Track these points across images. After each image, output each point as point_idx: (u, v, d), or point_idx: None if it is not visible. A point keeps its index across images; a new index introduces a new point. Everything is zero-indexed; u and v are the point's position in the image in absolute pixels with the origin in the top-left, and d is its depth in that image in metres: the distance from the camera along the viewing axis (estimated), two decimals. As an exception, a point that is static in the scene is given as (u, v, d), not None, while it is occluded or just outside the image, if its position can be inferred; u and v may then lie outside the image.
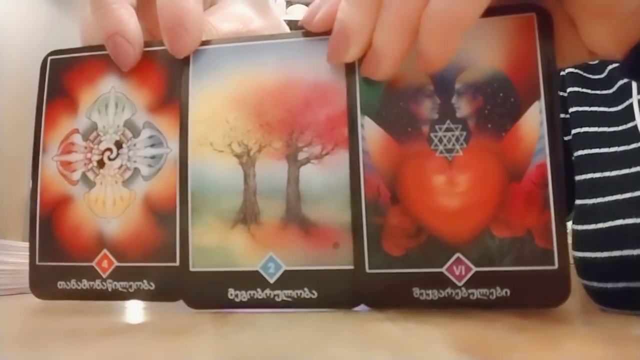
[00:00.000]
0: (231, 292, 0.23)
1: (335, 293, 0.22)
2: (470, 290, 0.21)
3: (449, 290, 0.21)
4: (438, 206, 0.21)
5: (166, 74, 0.25)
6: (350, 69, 0.23)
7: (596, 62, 0.42)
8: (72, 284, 0.25)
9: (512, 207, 0.21)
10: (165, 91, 0.25)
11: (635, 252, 0.34)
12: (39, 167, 0.26)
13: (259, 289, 0.22)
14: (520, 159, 0.21)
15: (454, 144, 0.22)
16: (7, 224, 1.01)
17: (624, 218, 0.35)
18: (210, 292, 0.23)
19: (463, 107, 0.22)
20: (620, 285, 0.36)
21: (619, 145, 0.37)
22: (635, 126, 0.36)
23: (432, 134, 0.22)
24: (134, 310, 0.25)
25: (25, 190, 0.99)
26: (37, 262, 0.25)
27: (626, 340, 0.17)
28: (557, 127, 0.21)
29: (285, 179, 0.23)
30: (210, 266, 0.23)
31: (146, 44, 0.25)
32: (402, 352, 0.14)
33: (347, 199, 0.22)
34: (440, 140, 0.22)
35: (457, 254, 0.21)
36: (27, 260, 0.25)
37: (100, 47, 0.25)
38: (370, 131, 0.22)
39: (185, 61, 0.25)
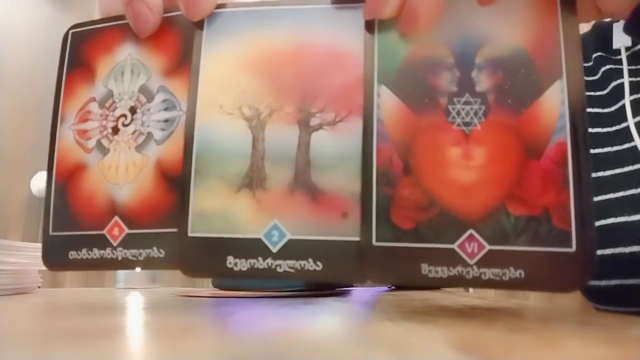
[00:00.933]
0: (230, 261, 0.21)
1: (342, 266, 0.21)
2: (482, 270, 0.20)
3: (459, 268, 0.20)
4: (452, 179, 0.20)
5: (181, 38, 0.25)
6: (369, 36, 0.22)
7: (590, 64, 0.42)
8: (83, 254, 0.24)
9: (530, 185, 0.20)
10: (180, 55, 0.25)
11: (627, 249, 0.34)
12: (56, 137, 0.26)
13: (260, 258, 0.21)
14: (539, 136, 0.20)
15: (472, 118, 0.21)
16: (7, 224, 1.01)
17: (615, 216, 0.35)
18: (207, 260, 0.22)
19: (483, 82, 0.21)
20: (613, 282, 0.36)
21: (612, 146, 0.37)
22: (628, 127, 0.37)
23: (449, 106, 0.21)
24: (134, 310, 0.25)
25: (26, 190, 0.99)
26: (51, 233, 0.25)
27: (626, 340, 0.16)
28: (579, 106, 0.20)
29: (296, 145, 0.22)
30: (210, 232, 0.22)
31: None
32: (403, 352, 0.14)
33: (358, 168, 0.21)
34: (458, 113, 0.21)
35: (470, 231, 0.20)
36: (27, 260, 0.25)
37: (118, 18, 0.25)
38: (386, 100, 0.22)
39: (200, 24, 0.24)
